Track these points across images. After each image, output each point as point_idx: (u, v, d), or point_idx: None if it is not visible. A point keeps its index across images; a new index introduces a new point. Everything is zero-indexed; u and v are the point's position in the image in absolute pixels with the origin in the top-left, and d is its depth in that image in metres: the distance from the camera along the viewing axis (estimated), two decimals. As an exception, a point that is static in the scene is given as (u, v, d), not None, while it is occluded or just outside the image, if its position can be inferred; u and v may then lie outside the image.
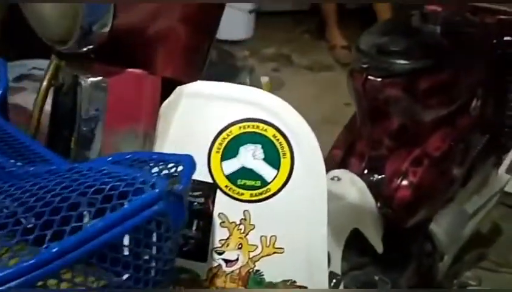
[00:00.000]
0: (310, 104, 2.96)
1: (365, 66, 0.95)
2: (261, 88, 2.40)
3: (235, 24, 3.66)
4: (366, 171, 1.06)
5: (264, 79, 3.03)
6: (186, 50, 0.68)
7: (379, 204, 1.02)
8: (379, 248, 0.99)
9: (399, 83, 0.95)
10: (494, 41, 1.18)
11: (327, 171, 1.17)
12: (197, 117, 0.60)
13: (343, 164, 1.12)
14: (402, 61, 0.95)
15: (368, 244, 0.98)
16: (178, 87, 0.64)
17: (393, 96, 0.96)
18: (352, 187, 0.98)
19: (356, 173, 1.06)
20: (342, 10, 3.49)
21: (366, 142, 1.06)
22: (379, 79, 0.94)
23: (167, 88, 0.64)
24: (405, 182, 1.03)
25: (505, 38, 1.23)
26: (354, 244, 0.96)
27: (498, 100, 1.35)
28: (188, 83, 0.64)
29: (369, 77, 0.94)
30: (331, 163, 1.14)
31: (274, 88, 3.09)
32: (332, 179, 1.00)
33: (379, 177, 1.06)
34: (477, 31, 1.10)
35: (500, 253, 1.80)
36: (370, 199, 1.00)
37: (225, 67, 3.01)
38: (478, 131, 1.45)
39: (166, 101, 0.64)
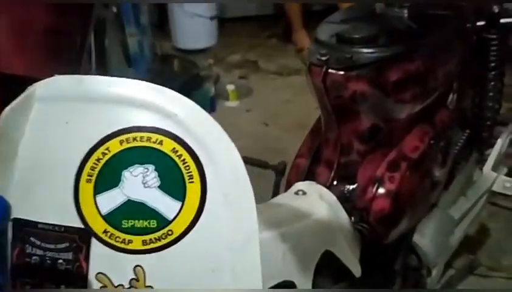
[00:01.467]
0: (281, 110, 2.83)
1: (324, 58, 0.81)
2: (227, 97, 2.24)
3: (197, 32, 3.51)
4: (335, 182, 0.92)
5: (230, 87, 2.89)
6: (39, 40, 0.49)
7: (353, 219, 0.87)
8: (357, 271, 0.84)
9: (365, 76, 0.80)
10: (469, 25, 1.05)
11: (292, 184, 1.04)
12: (57, 129, 0.40)
13: (309, 175, 0.97)
14: (367, 50, 0.81)
15: (343, 267, 0.83)
16: (30, 86, 0.44)
17: (360, 91, 0.81)
18: (321, 202, 0.83)
19: (324, 184, 0.91)
20: (307, 11, 3.38)
21: (334, 148, 0.91)
22: (342, 72, 0.79)
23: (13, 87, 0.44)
24: (381, 191, 0.88)
25: (480, 22, 1.11)
26: (326, 269, 0.81)
27: (477, 91, 1.23)
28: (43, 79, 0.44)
29: (329, 70, 0.80)
30: (295, 175, 0.99)
31: (242, 96, 2.96)
32: (296, 193, 0.84)
33: (351, 187, 0.92)
34: (449, 14, 0.97)
35: (490, 257, 1.68)
36: (342, 215, 0.85)
37: (189, 78, 2.86)
38: (458, 126, 1.33)
39: (9, 106, 0.44)
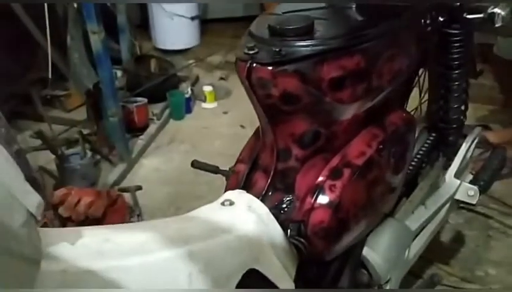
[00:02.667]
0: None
1: (251, 51, 0.72)
2: (204, 98, 2.14)
3: (177, 32, 3.42)
4: (271, 190, 0.83)
5: (208, 88, 2.80)
6: None
7: (289, 233, 0.78)
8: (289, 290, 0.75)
9: (295, 72, 0.71)
10: (426, 20, 0.96)
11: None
12: None
13: (247, 182, 0.88)
14: (299, 43, 0.72)
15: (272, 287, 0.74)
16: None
17: (290, 89, 0.72)
18: (249, 213, 0.74)
19: (260, 193, 0.82)
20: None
21: (271, 153, 0.83)
22: (268, 67, 0.70)
23: None
24: (321, 201, 0.79)
25: (441, 18, 1.03)
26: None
27: (441, 91, 1.14)
28: None
29: (254, 65, 0.71)
30: (234, 182, 0.90)
31: (221, 97, 2.87)
32: (222, 204, 0.75)
33: (289, 196, 0.83)
34: (403, 5, 0.88)
35: (463, 267, 1.59)
36: (274, 228, 0.76)
37: (165, 78, 2.77)
38: (426, 128, 1.24)
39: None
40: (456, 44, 1.04)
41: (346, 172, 0.81)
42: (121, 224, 0.60)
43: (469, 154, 1.14)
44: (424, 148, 1.18)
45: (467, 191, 1.05)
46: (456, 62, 1.06)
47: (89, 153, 2.04)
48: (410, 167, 1.13)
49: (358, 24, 0.80)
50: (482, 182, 1.05)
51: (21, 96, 2.59)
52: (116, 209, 1.80)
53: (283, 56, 0.70)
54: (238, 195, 0.77)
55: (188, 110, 2.67)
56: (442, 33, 1.03)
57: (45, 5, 1.87)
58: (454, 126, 1.16)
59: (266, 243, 0.73)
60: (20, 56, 2.61)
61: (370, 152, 0.84)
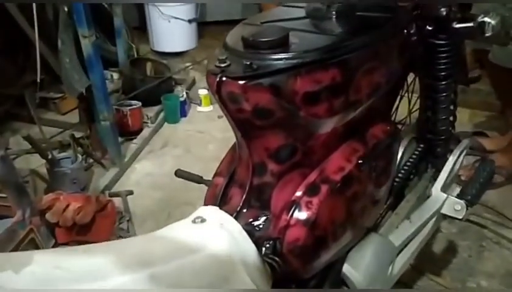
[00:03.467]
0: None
1: (223, 64, 0.69)
2: (200, 102, 2.12)
3: (174, 35, 3.41)
4: (246, 206, 0.80)
5: (203, 92, 2.78)
6: None
7: (264, 251, 0.76)
8: (263, 311, 0.73)
9: (267, 86, 0.69)
10: (411, 29, 0.94)
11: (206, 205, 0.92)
12: None
13: (224, 197, 0.86)
14: (271, 56, 0.69)
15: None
16: None
17: (262, 104, 0.70)
18: (221, 231, 0.72)
19: (235, 209, 0.80)
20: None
21: (246, 167, 0.80)
22: (241, 81, 0.68)
23: None
24: (296, 218, 0.77)
25: (428, 25, 1.00)
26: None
27: (428, 103, 1.11)
28: None
29: (224, 79, 0.68)
30: (211, 196, 0.88)
31: (215, 101, 2.85)
32: (194, 221, 0.73)
33: (264, 213, 0.80)
34: (384, 16, 0.86)
35: (455, 278, 1.56)
36: (247, 246, 0.73)
37: (160, 81, 2.76)
38: (415, 139, 1.22)
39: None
40: (443, 55, 1.01)
41: (324, 188, 0.79)
42: (78, 247, 0.57)
43: (457, 166, 1.12)
44: (411, 160, 1.15)
45: (454, 206, 1.02)
46: (443, 73, 1.03)
47: (80, 157, 2.02)
48: (397, 179, 1.11)
49: (336, 35, 0.77)
50: (469, 196, 1.03)
51: (16, 98, 2.59)
52: (105, 215, 1.78)
53: (254, 69, 0.68)
54: (210, 212, 0.75)
55: (183, 113, 2.65)
56: (429, 43, 1.00)
57: (34, 7, 1.85)
58: (442, 137, 1.14)
59: (238, 261, 0.71)
60: (15, 58, 2.61)
61: (349, 167, 0.82)
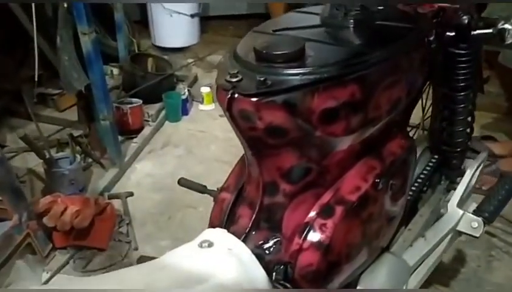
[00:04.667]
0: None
1: (234, 79, 0.64)
2: (201, 99, 2.06)
3: (176, 30, 3.34)
4: (256, 228, 0.76)
5: (205, 89, 2.72)
6: None
7: (274, 276, 0.71)
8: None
9: (282, 104, 0.64)
10: (432, 38, 0.88)
11: (214, 223, 0.88)
12: None
13: (231, 215, 0.81)
14: (286, 71, 0.64)
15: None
16: None
17: (276, 123, 0.65)
18: (229, 257, 0.67)
19: (244, 231, 0.75)
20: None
21: (257, 186, 0.75)
22: (252, 99, 0.63)
23: None
24: (310, 241, 0.72)
25: (448, 33, 0.95)
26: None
27: (445, 114, 1.06)
28: None
29: (235, 96, 0.63)
30: (218, 213, 0.83)
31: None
32: (200, 245, 0.68)
33: (275, 235, 0.75)
34: (405, 26, 0.80)
35: (463, 289, 1.52)
36: (257, 273, 0.69)
37: (162, 78, 2.70)
38: (428, 150, 1.17)
39: None
40: (462, 65, 0.96)
41: (339, 209, 0.74)
42: (75, 278, 0.52)
43: (474, 181, 1.07)
44: (425, 172, 1.10)
45: (471, 223, 0.97)
46: (462, 84, 0.98)
47: (79, 157, 1.97)
48: (410, 192, 1.06)
49: (355, 47, 0.72)
50: (487, 213, 0.98)
51: (13, 93, 2.53)
52: (104, 218, 1.73)
53: (268, 86, 0.63)
54: (218, 235, 0.70)
55: (185, 112, 2.59)
56: (448, 52, 0.95)
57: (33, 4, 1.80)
58: (458, 149, 1.08)
59: (247, 289, 0.66)
60: (13, 52, 2.55)
61: (365, 186, 0.77)
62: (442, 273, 1.57)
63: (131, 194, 1.96)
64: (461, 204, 1.00)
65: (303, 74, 0.64)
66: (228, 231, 0.77)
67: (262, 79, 0.63)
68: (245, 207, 0.79)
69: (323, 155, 0.73)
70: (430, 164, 1.12)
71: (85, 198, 1.71)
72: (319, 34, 0.76)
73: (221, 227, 0.80)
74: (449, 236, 1.00)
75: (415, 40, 0.79)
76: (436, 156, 1.13)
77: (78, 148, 2.13)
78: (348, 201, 0.75)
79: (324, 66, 0.66)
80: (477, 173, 1.07)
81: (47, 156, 1.90)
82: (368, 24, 0.78)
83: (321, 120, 0.66)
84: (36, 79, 1.81)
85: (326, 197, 0.75)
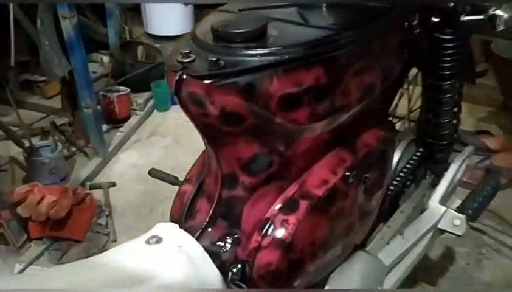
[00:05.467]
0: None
1: (186, 59, 0.58)
2: None
3: (169, 17, 3.27)
4: (213, 223, 0.70)
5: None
6: None
7: (230, 275, 0.65)
8: None
9: (238, 87, 0.57)
10: (415, 22, 0.82)
11: (174, 217, 0.82)
12: None
13: (191, 208, 0.76)
14: (245, 51, 0.58)
15: None
16: None
17: (230, 108, 0.59)
18: (178, 255, 0.61)
19: (201, 226, 0.70)
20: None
21: (215, 177, 0.69)
22: (205, 81, 0.57)
23: None
24: (270, 239, 0.67)
25: (434, 18, 0.89)
26: None
27: (430, 104, 1.00)
28: None
29: (184, 77, 0.57)
30: (178, 206, 0.77)
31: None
32: (148, 242, 0.62)
33: (234, 231, 0.70)
34: (382, 5, 0.74)
35: (452, 288, 1.47)
36: (209, 272, 0.63)
37: (151, 66, 2.63)
38: (414, 142, 1.11)
39: None
40: (448, 52, 0.89)
41: (303, 204, 0.68)
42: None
43: (458, 176, 1.01)
44: (409, 165, 1.05)
45: (453, 220, 0.91)
46: (447, 72, 0.92)
47: (60, 145, 1.91)
48: (392, 187, 1.00)
49: (323, 28, 0.65)
50: (471, 210, 0.92)
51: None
52: (83, 209, 1.68)
53: (221, 67, 0.57)
54: (168, 230, 0.64)
55: (174, 101, 2.52)
56: (433, 38, 0.89)
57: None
58: (444, 142, 1.02)
59: (196, 289, 0.61)
60: (4, 38, 2.48)
61: (333, 180, 0.71)
62: (430, 270, 1.52)
63: (113, 184, 1.90)
64: (444, 201, 0.94)
65: (261, 55, 0.58)
66: (186, 226, 0.72)
67: (214, 59, 0.57)
68: (204, 201, 0.73)
69: (286, 145, 0.67)
70: (415, 157, 1.06)
71: (63, 188, 1.66)
72: (289, 13, 0.70)
73: (181, 222, 0.75)
74: (430, 235, 0.94)
75: (392, 22, 0.73)
76: (421, 149, 1.07)
77: (62, 136, 2.08)
78: (313, 196, 0.69)
79: (286, 47, 0.59)
80: (463, 167, 1.01)
81: (27, 145, 1.85)
82: (343, 4, 0.72)
83: (281, 106, 0.60)
84: (11, 64, 1.74)
85: (290, 191, 0.69)
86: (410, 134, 1.13)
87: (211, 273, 0.63)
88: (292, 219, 0.67)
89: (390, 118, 0.99)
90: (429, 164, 1.09)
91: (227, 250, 0.68)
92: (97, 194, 1.85)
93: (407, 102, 1.18)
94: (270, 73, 0.58)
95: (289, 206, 0.68)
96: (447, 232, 0.93)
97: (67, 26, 1.71)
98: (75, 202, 1.64)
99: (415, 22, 0.82)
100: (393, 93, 0.88)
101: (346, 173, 0.72)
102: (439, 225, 0.92)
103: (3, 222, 1.45)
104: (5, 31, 2.45)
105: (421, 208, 1.02)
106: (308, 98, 0.62)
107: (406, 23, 0.78)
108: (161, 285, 0.57)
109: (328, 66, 0.62)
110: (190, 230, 0.70)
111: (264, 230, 0.67)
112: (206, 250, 0.65)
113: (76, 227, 1.62)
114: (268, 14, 0.69)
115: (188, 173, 0.81)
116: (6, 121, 2.26)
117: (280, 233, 0.66)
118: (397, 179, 1.02)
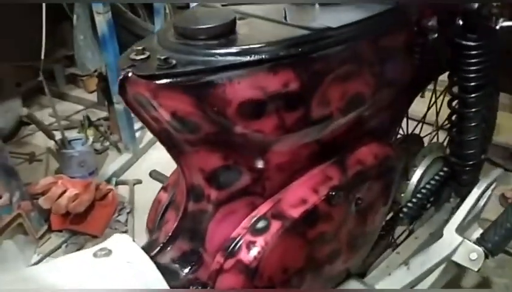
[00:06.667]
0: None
1: (139, 57, 0.52)
2: None
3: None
4: (175, 238, 0.63)
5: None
6: None
7: (187, 299, 0.59)
8: None
9: (187, 90, 0.50)
10: (430, 23, 0.71)
11: (150, 225, 0.77)
12: None
13: (163, 217, 0.70)
14: (200, 50, 0.51)
15: None
16: None
17: (182, 113, 0.52)
18: (128, 270, 0.56)
19: (163, 239, 0.64)
20: None
21: (183, 188, 0.63)
22: (151, 81, 0.51)
23: None
24: (235, 261, 0.59)
25: (459, 22, 0.77)
26: None
27: (454, 120, 0.88)
28: None
29: (129, 75, 0.51)
30: (153, 214, 0.72)
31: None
32: (95, 254, 0.57)
33: (196, 248, 0.63)
34: (390, 4, 0.64)
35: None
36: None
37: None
38: (440, 159, 0.99)
39: None
40: (472, 60, 0.77)
41: (275, 225, 0.60)
42: None
43: (481, 203, 0.88)
44: (429, 185, 0.93)
45: (469, 254, 0.79)
46: (472, 83, 0.80)
47: (91, 139, 1.93)
48: (405, 209, 0.90)
49: (301, 27, 0.57)
50: (490, 243, 0.80)
51: (47, 72, 2.55)
52: (105, 204, 1.68)
53: (171, 66, 0.50)
54: (121, 243, 0.59)
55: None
56: (456, 44, 0.77)
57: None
58: (470, 162, 0.90)
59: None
60: (48, 32, 2.56)
61: (314, 199, 0.62)
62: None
63: (140, 182, 1.90)
64: (461, 230, 0.82)
65: (220, 54, 0.51)
66: (152, 238, 0.66)
67: (163, 58, 0.50)
68: (172, 212, 0.67)
69: (255, 157, 0.59)
70: (437, 178, 0.94)
71: (87, 183, 1.67)
72: (270, 9, 0.62)
73: (153, 232, 0.70)
74: (442, 267, 0.82)
75: (391, 23, 0.63)
76: (445, 168, 0.95)
77: (96, 130, 2.11)
78: (287, 216, 0.60)
79: (249, 46, 0.52)
80: (488, 193, 0.88)
81: (60, 137, 1.88)
82: (338, 2, 0.63)
83: (242, 114, 0.53)
84: (42, 59, 1.77)
85: (263, 209, 0.62)
86: (437, 150, 1.01)
87: (161, 294, 0.57)
88: (260, 241, 0.59)
89: (399, 133, 0.88)
90: (454, 186, 0.97)
91: (187, 270, 0.62)
92: (123, 190, 1.85)
93: (436, 114, 1.06)
94: (228, 75, 0.51)
95: (259, 226, 0.60)
96: (462, 266, 0.81)
97: (101, 21, 1.72)
98: (97, 197, 1.64)
99: (429, 25, 0.71)
100: (401, 104, 0.78)
101: (331, 193, 0.63)
102: (454, 258, 0.80)
103: (22, 213, 1.47)
104: (55, 25, 2.54)
105: (439, 236, 0.90)
106: (275, 106, 0.54)
107: (416, 25, 0.68)
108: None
109: (299, 70, 0.54)
110: (154, 244, 0.64)
111: (228, 251, 0.60)
112: (164, 268, 0.59)
113: (96, 223, 1.62)
114: (248, 10, 0.61)
115: (169, 178, 0.76)
116: (49, 112, 2.34)
117: (245, 256, 0.59)
118: (415, 199, 0.91)
